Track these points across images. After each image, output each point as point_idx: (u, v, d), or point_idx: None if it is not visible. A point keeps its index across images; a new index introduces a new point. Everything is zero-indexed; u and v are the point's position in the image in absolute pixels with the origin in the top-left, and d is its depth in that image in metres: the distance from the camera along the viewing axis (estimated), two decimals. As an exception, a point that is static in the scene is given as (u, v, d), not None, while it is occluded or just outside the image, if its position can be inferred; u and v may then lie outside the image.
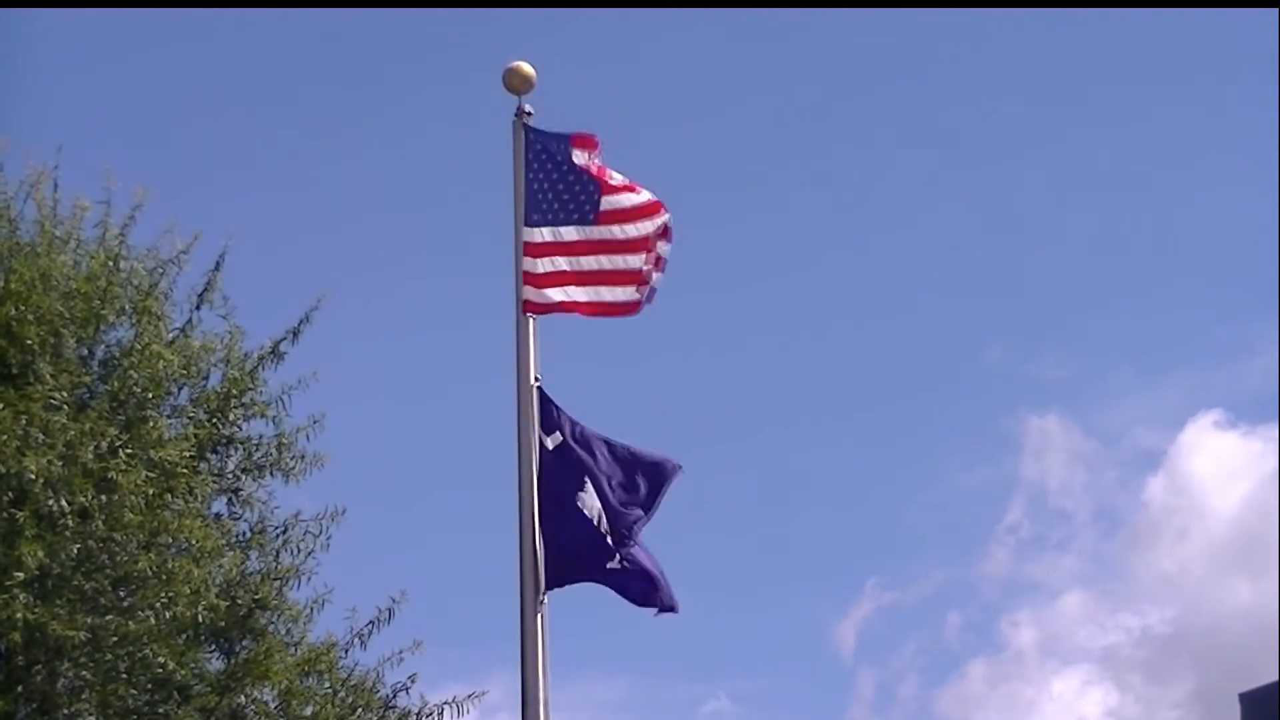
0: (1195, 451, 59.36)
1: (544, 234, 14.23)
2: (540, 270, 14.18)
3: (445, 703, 18.12)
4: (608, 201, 14.29)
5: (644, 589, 13.62)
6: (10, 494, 16.07)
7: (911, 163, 63.42)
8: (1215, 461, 61.25)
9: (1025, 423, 62.84)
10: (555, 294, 14.18)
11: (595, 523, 13.55)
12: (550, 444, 13.72)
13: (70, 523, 16.11)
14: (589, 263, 14.23)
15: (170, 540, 16.73)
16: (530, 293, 14.13)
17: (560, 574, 13.47)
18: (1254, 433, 56.34)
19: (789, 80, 62.21)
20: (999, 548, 58.88)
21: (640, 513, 13.63)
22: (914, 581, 60.10)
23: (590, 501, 13.59)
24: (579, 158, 14.29)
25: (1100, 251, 64.78)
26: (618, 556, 13.52)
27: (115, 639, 16.15)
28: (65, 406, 16.64)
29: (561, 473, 13.65)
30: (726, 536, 56.54)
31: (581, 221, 14.26)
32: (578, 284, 14.24)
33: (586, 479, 13.62)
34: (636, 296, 14.31)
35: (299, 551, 18.08)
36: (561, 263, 14.24)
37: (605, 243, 14.25)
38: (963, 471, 63.56)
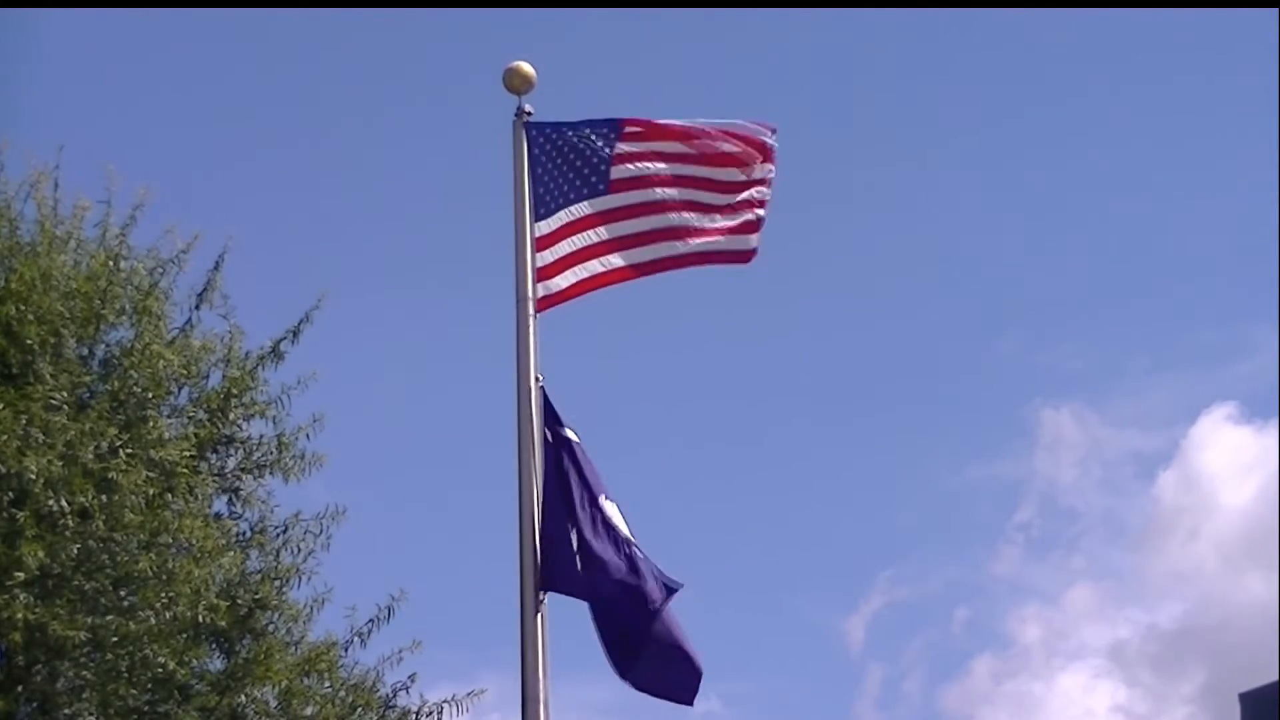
0: (1208, 446, 59.23)
1: (550, 223, 14.15)
2: (552, 259, 14.09)
3: (445, 701, 18.14)
4: (618, 171, 14.19)
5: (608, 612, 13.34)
6: (10, 494, 16.08)
7: (924, 159, 63.38)
8: (1228, 456, 61.12)
9: (1039, 414, 62.70)
10: (572, 276, 14.08)
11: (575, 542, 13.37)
12: (552, 437, 13.62)
13: (70, 523, 16.11)
14: (618, 229, 14.12)
15: (170, 540, 16.73)
16: (541, 288, 14.03)
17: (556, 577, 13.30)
18: (1268, 427, 56.14)
19: (794, 78, 62.22)
20: (1008, 544, 58.81)
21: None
22: (924, 576, 59.98)
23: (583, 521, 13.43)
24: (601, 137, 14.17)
25: (1112, 245, 64.79)
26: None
27: (115, 639, 16.15)
28: (65, 406, 16.63)
29: (563, 472, 13.54)
30: (733, 535, 56.49)
31: (592, 195, 14.17)
32: (610, 252, 14.13)
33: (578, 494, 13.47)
34: (705, 247, 14.15)
35: (299, 551, 18.10)
36: (589, 237, 14.14)
37: (626, 209, 14.14)
38: (974, 465, 63.50)
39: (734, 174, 14.22)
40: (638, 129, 14.22)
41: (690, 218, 14.21)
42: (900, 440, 62.03)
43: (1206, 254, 64.40)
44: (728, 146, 14.20)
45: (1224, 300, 63.98)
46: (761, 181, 14.24)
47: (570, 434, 13.61)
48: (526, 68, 14.35)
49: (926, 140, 63.76)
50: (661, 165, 14.21)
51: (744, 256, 14.32)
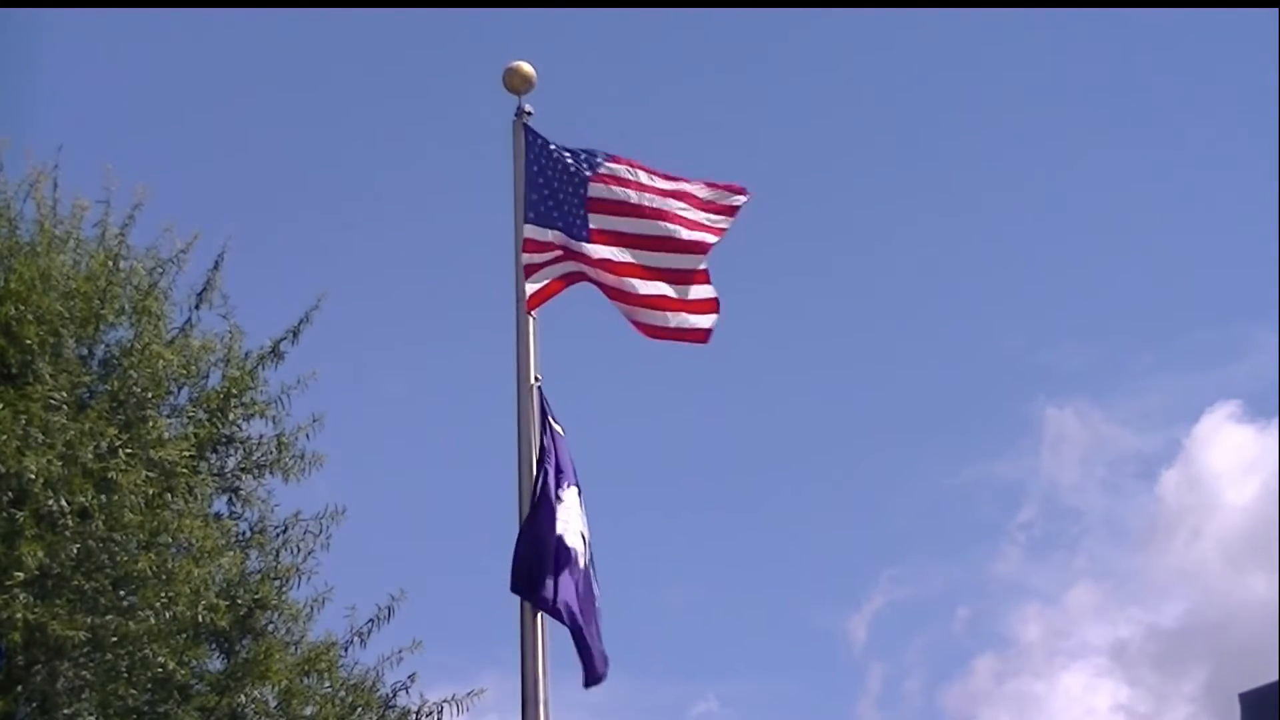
0: (1211, 444, 59.11)
1: (546, 233, 14.16)
2: (541, 261, 14.08)
3: (445, 701, 18.14)
4: (595, 220, 14.23)
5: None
6: (10, 494, 16.08)
7: (925, 157, 63.38)
8: (1231, 455, 61.00)
9: (1043, 413, 62.63)
10: (546, 275, 14.08)
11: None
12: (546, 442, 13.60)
13: (70, 523, 16.11)
14: (597, 276, 14.18)
15: (170, 540, 16.74)
16: (532, 286, 14.03)
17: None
18: (1270, 426, 56.00)
19: (794, 79, 62.23)
20: (1010, 544, 58.80)
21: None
22: (926, 575, 59.88)
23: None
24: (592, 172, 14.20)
25: (1115, 244, 64.82)
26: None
27: (115, 639, 16.15)
28: (65, 406, 16.64)
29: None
30: (734, 534, 56.44)
31: (575, 237, 14.18)
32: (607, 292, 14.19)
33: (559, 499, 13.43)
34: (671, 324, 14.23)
35: (299, 551, 18.10)
36: (572, 265, 14.16)
37: (602, 262, 14.19)
38: (977, 464, 63.43)
39: (699, 235, 14.28)
40: (614, 172, 14.24)
41: (661, 288, 14.25)
42: (902, 438, 62.00)
43: (1208, 253, 64.43)
44: (695, 214, 14.29)
45: (1226, 299, 63.97)
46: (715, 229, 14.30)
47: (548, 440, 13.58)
48: (526, 68, 14.36)
49: (928, 138, 63.78)
50: (634, 221, 14.25)
51: (701, 336, 14.38)
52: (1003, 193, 64.49)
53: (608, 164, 14.29)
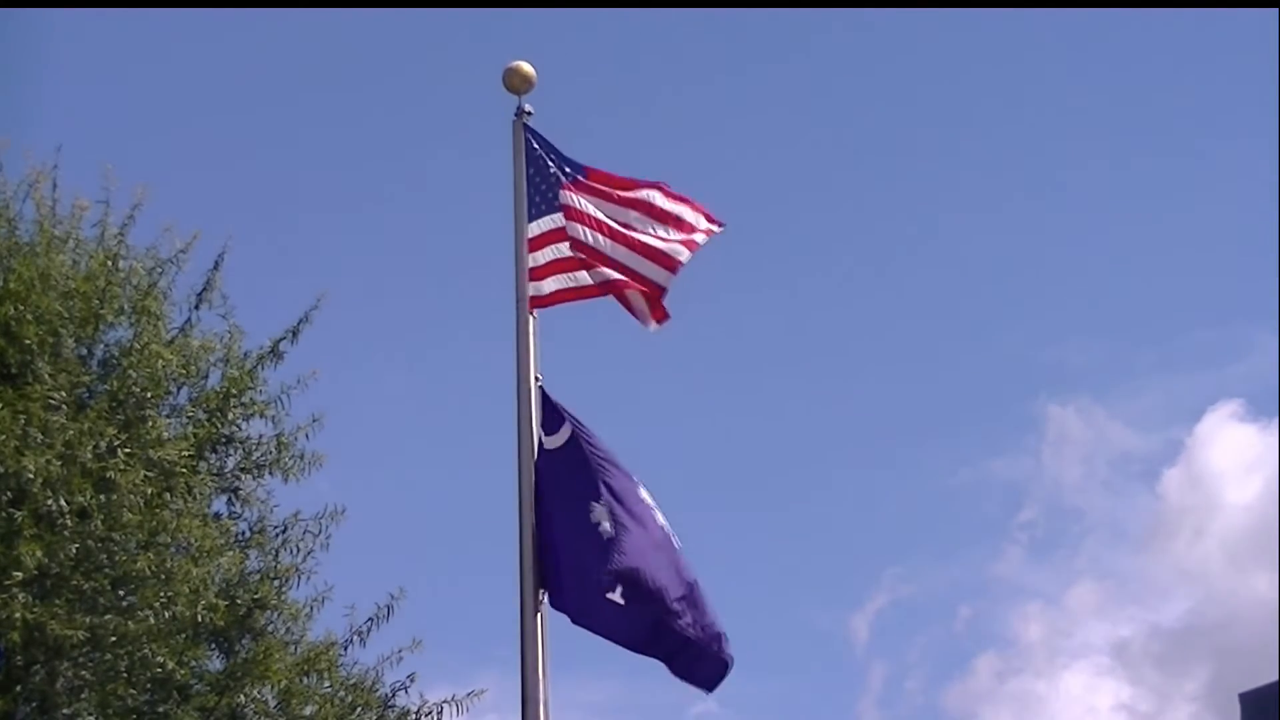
0: (1212, 444, 59.23)
1: (542, 225, 14.18)
2: (542, 261, 14.10)
3: (445, 701, 18.12)
4: (564, 197, 14.22)
5: (645, 638, 13.24)
6: (9, 494, 16.08)
7: (928, 154, 63.44)
8: (1232, 454, 61.11)
9: (1046, 410, 62.71)
10: (554, 283, 14.07)
11: (603, 539, 13.23)
12: (550, 445, 13.54)
13: (69, 522, 16.10)
14: (585, 234, 14.14)
15: (169, 540, 16.72)
16: (533, 287, 14.03)
17: (561, 585, 13.18)
18: (1272, 425, 56.08)
19: (794, 78, 62.27)
20: (1011, 543, 58.85)
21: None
22: (928, 574, 59.95)
23: (601, 517, 13.28)
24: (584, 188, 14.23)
25: (1118, 244, 64.87)
26: (619, 589, 13.11)
27: (114, 639, 16.14)
28: (64, 406, 16.63)
29: (568, 476, 13.42)
30: (737, 532, 56.43)
31: (550, 211, 14.18)
32: (583, 265, 14.16)
33: (601, 492, 13.33)
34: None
35: (299, 551, 18.09)
36: (564, 249, 14.15)
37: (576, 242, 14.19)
38: (979, 462, 63.47)
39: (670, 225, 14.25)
40: (596, 184, 14.25)
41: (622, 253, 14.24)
42: (904, 437, 62.07)
43: (1209, 253, 64.49)
44: (673, 207, 14.26)
45: (1227, 299, 64.05)
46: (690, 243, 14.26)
47: (552, 443, 13.50)
48: (526, 68, 14.35)
49: (932, 138, 63.83)
50: (601, 214, 14.23)
51: (655, 288, 14.29)
52: (1003, 193, 64.57)
53: (582, 178, 14.26)
